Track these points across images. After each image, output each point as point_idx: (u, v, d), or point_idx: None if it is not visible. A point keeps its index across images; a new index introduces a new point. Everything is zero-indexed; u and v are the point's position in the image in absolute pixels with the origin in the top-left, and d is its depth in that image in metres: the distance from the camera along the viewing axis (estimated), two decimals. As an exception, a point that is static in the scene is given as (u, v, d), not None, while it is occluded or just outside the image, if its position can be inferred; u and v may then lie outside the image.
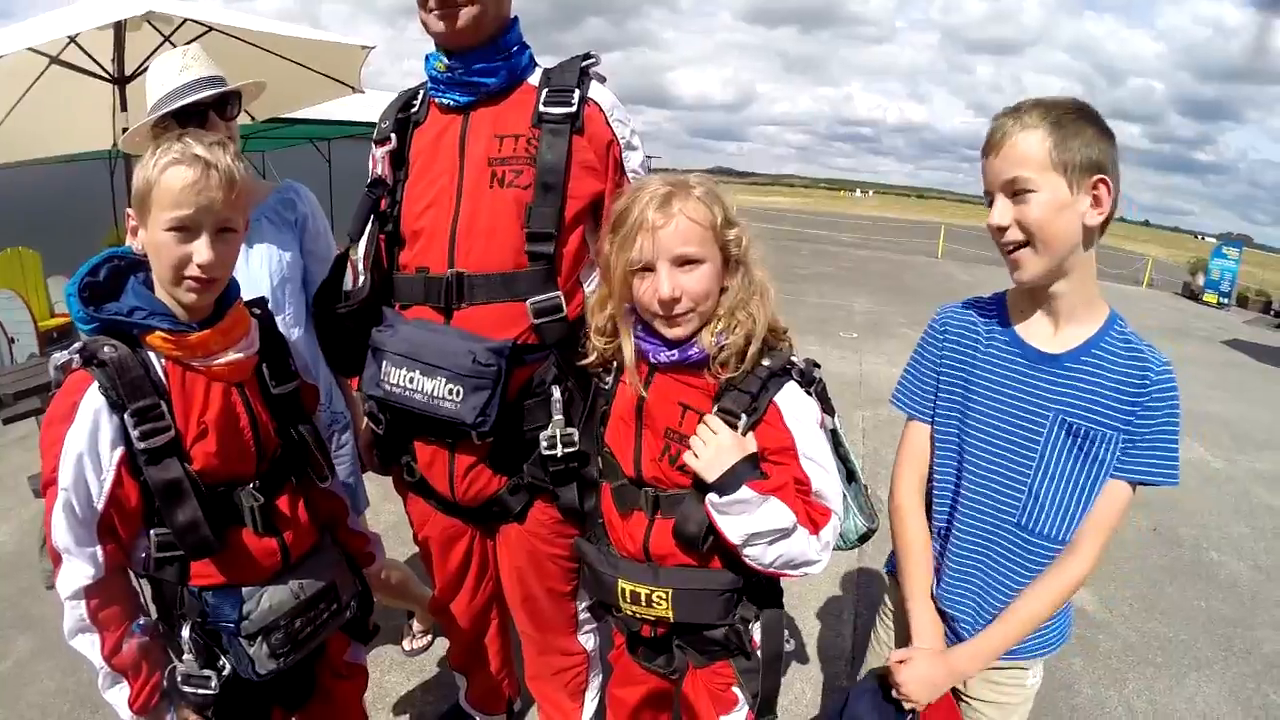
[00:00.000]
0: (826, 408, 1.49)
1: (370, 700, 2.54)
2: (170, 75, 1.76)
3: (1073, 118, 1.25)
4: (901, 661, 1.44)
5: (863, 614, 3.26)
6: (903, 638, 1.59)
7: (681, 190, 1.38)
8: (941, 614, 1.50)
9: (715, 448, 1.34)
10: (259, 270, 1.90)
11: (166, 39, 4.66)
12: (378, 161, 1.75)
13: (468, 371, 1.55)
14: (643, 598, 1.48)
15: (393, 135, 1.73)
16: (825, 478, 1.42)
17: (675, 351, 1.41)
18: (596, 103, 1.66)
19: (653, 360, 1.45)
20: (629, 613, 1.53)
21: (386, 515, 3.84)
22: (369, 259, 1.75)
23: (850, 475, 1.59)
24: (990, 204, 1.32)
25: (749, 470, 1.34)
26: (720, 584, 1.47)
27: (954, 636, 1.50)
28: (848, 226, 31.50)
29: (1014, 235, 1.28)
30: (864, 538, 1.64)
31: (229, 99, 1.82)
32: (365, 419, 1.95)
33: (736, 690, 1.59)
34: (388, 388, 1.62)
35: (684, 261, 1.36)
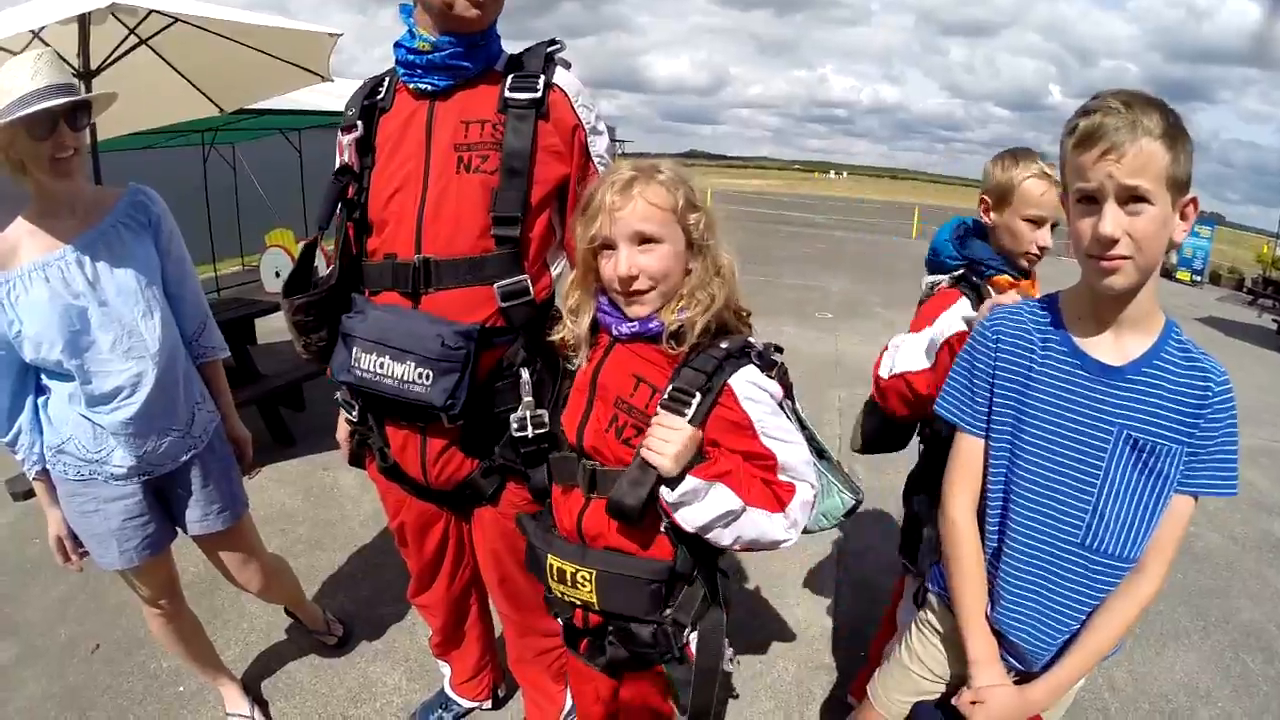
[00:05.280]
0: (788, 392, 1.49)
1: (355, 691, 2.59)
2: (21, 81, 1.70)
3: (1179, 128, 1.18)
4: (975, 702, 1.41)
5: (845, 593, 3.29)
6: (955, 660, 1.58)
7: (646, 175, 1.41)
8: (996, 634, 1.47)
9: (679, 444, 1.32)
10: (124, 277, 1.87)
11: (132, 31, 4.59)
12: (344, 149, 1.75)
13: (436, 355, 1.56)
14: (568, 576, 1.47)
15: (359, 122, 1.72)
16: (789, 450, 1.40)
17: (636, 323, 1.44)
18: (561, 88, 1.66)
19: (614, 332, 1.47)
20: (557, 593, 1.52)
21: (367, 505, 3.87)
22: (337, 246, 1.76)
23: (820, 453, 1.58)
24: (1080, 200, 1.24)
25: (694, 459, 1.35)
26: (647, 572, 1.44)
27: (1014, 660, 1.47)
28: (822, 208, 31.64)
29: (1125, 248, 1.20)
30: (850, 511, 1.62)
31: (80, 108, 1.78)
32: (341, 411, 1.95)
33: (671, 702, 1.57)
34: (359, 373, 1.64)
35: (643, 240, 1.39)
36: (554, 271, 1.76)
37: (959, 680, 1.54)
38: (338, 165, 1.76)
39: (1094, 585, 1.37)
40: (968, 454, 1.49)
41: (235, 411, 2.26)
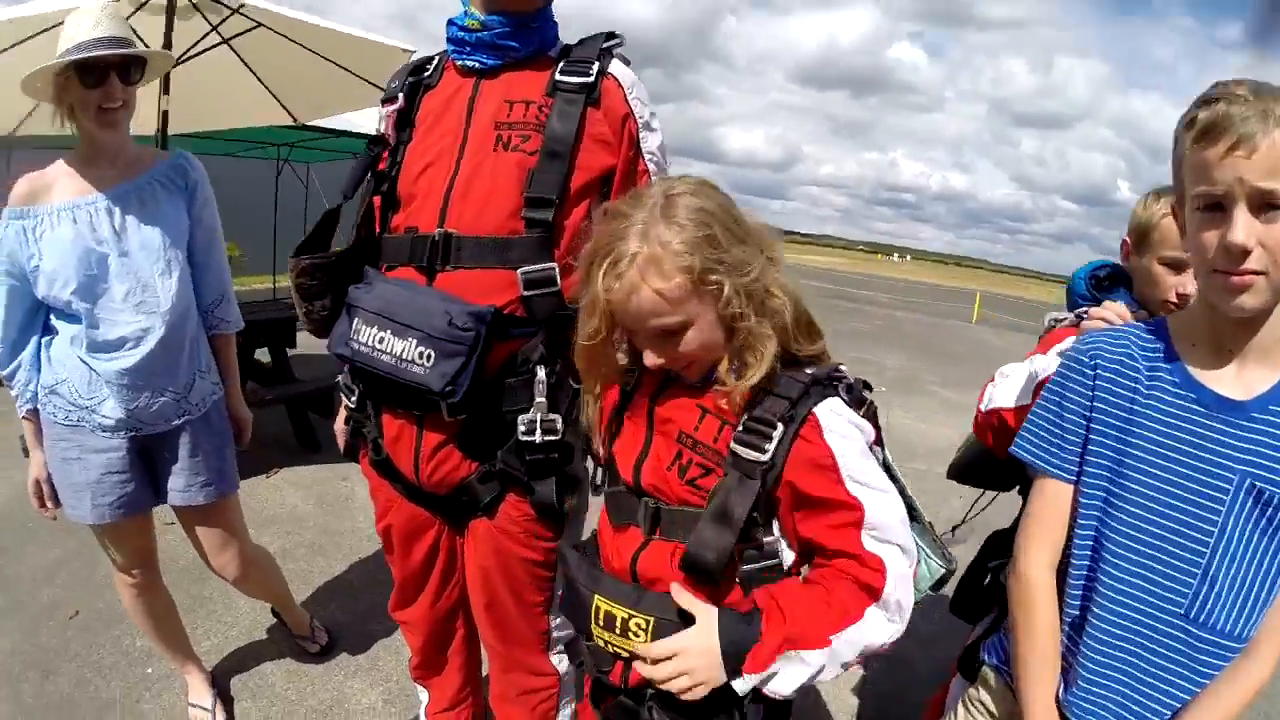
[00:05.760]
0: (879, 438, 1.26)
1: (327, 704, 2.46)
2: (84, 29, 1.76)
3: None
4: None
5: (875, 668, 3.01)
6: None
7: (649, 244, 1.12)
8: None
9: (687, 666, 1.12)
10: (150, 233, 1.90)
11: (214, 29, 4.71)
12: (382, 121, 1.70)
13: (441, 334, 1.43)
14: (618, 623, 1.21)
15: (400, 95, 1.67)
16: (881, 503, 1.15)
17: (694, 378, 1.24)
18: (616, 77, 1.58)
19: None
20: (600, 641, 1.26)
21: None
22: (359, 216, 1.67)
23: (910, 512, 1.31)
24: (1204, 207, 1.04)
25: (742, 644, 1.13)
26: None
27: None
28: (884, 287, 31.54)
29: (1258, 261, 1.01)
30: (940, 582, 1.35)
31: (132, 63, 1.82)
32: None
33: None
34: (356, 346, 1.52)
35: (663, 333, 1.16)
36: None
37: None
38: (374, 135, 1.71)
39: (1196, 669, 1.13)
40: (1051, 502, 1.24)
41: (240, 389, 2.25)
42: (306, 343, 5.20)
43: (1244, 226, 0.99)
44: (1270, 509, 1.07)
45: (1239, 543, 1.09)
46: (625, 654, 1.23)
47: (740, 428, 1.16)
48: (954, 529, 1.97)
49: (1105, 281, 1.75)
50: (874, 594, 1.12)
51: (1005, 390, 1.52)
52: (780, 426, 1.13)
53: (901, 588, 1.13)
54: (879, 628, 1.13)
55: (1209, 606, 1.11)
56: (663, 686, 1.13)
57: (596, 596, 1.25)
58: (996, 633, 1.42)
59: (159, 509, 2.11)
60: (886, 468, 1.27)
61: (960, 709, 1.46)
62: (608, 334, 1.20)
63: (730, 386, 1.16)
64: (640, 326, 1.16)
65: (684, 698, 1.12)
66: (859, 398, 1.22)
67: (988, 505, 2.02)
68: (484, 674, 2.14)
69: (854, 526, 1.13)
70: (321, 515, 3.80)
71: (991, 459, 1.75)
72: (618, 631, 1.21)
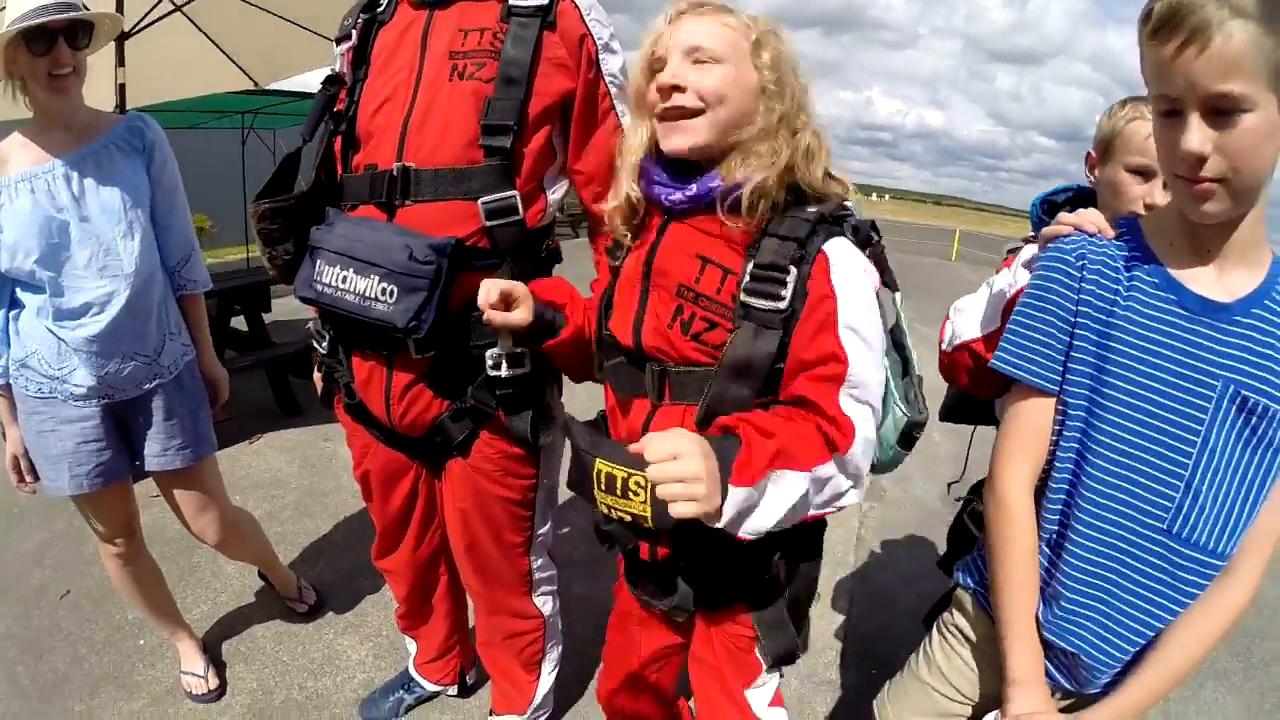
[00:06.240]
0: (888, 279, 1.23)
1: (318, 663, 2.46)
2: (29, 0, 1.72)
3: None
4: None
5: (860, 605, 3.05)
6: (988, 677, 1.30)
7: (724, 8, 1.21)
8: (1044, 643, 1.18)
9: (696, 470, 0.97)
10: (109, 196, 1.87)
11: (167, -2, 4.58)
12: (338, 60, 1.68)
13: (402, 269, 1.41)
14: (618, 484, 1.12)
15: (354, 33, 1.64)
16: (866, 358, 1.11)
17: (692, 187, 1.18)
18: (572, 0, 1.55)
19: (665, 203, 1.22)
20: (603, 507, 1.18)
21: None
22: (318, 157, 1.64)
23: (905, 368, 1.30)
24: (1164, 113, 0.98)
25: (727, 452, 1.02)
26: None
27: (1064, 679, 1.20)
28: (864, 227, 31.38)
29: (1217, 167, 0.94)
30: (907, 438, 1.27)
31: (79, 27, 1.77)
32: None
33: (760, 654, 1.32)
34: (320, 288, 1.50)
35: (699, 58, 1.17)
36: (551, 197, 1.61)
37: (991, 702, 1.25)
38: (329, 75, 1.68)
39: (1178, 586, 1.09)
40: (1031, 417, 1.16)
41: (212, 349, 2.23)
42: (282, 308, 5.18)
43: (1197, 133, 0.93)
44: (1254, 418, 1.03)
45: (1222, 454, 1.05)
46: (627, 518, 1.15)
47: (748, 277, 1.13)
48: (949, 485, 1.96)
49: (1064, 206, 1.65)
50: (835, 450, 1.09)
51: (967, 321, 1.42)
52: (793, 270, 1.11)
53: (865, 454, 1.12)
54: (836, 480, 1.11)
55: (1191, 521, 1.07)
56: (663, 493, 0.98)
57: (597, 460, 1.17)
58: (970, 554, 1.39)
59: (144, 483, 2.11)
60: (896, 328, 1.27)
61: (935, 634, 1.42)
62: (651, 73, 1.22)
63: (730, 174, 1.16)
64: (684, 43, 1.18)
65: (678, 510, 0.98)
66: (866, 237, 1.19)
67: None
68: (471, 626, 2.18)
69: (834, 382, 1.10)
70: (305, 477, 3.79)
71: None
72: (618, 493, 1.13)
